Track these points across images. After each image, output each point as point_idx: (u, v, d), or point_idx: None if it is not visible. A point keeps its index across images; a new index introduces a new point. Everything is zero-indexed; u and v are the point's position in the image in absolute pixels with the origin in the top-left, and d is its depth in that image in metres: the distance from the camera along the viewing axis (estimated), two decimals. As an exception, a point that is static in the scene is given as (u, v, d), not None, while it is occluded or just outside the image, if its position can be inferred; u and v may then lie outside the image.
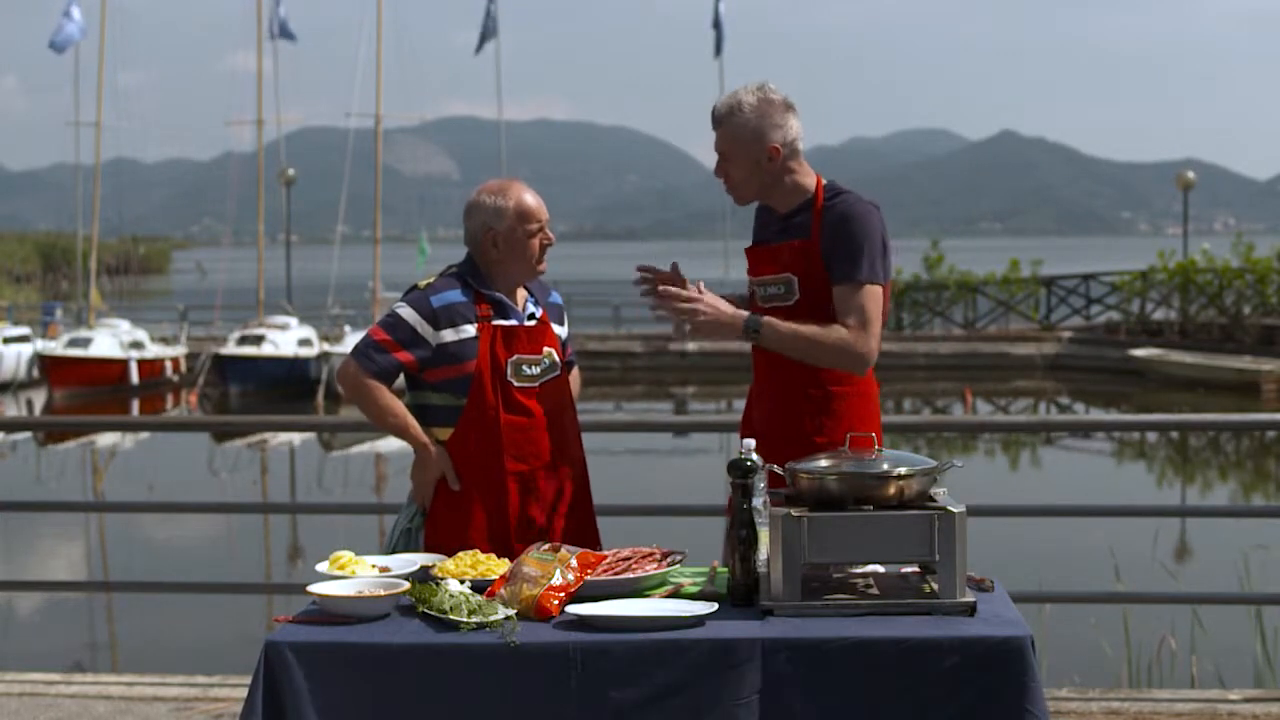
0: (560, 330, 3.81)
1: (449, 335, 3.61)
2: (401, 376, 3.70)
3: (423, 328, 3.61)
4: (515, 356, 3.64)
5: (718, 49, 38.91)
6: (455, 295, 3.64)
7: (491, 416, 3.61)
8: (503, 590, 3.03)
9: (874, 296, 3.53)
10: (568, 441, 3.73)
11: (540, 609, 2.95)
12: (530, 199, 3.69)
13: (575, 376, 3.95)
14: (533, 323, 3.71)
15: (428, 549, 3.64)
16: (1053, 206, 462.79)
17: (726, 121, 3.61)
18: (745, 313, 3.56)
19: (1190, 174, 37.34)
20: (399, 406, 3.69)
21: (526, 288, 3.77)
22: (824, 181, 3.68)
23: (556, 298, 3.87)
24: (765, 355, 3.72)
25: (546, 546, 3.16)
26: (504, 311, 3.67)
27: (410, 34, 39.58)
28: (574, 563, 3.07)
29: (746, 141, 3.58)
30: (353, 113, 35.86)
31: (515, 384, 3.63)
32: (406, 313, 3.63)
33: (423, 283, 3.70)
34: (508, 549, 3.47)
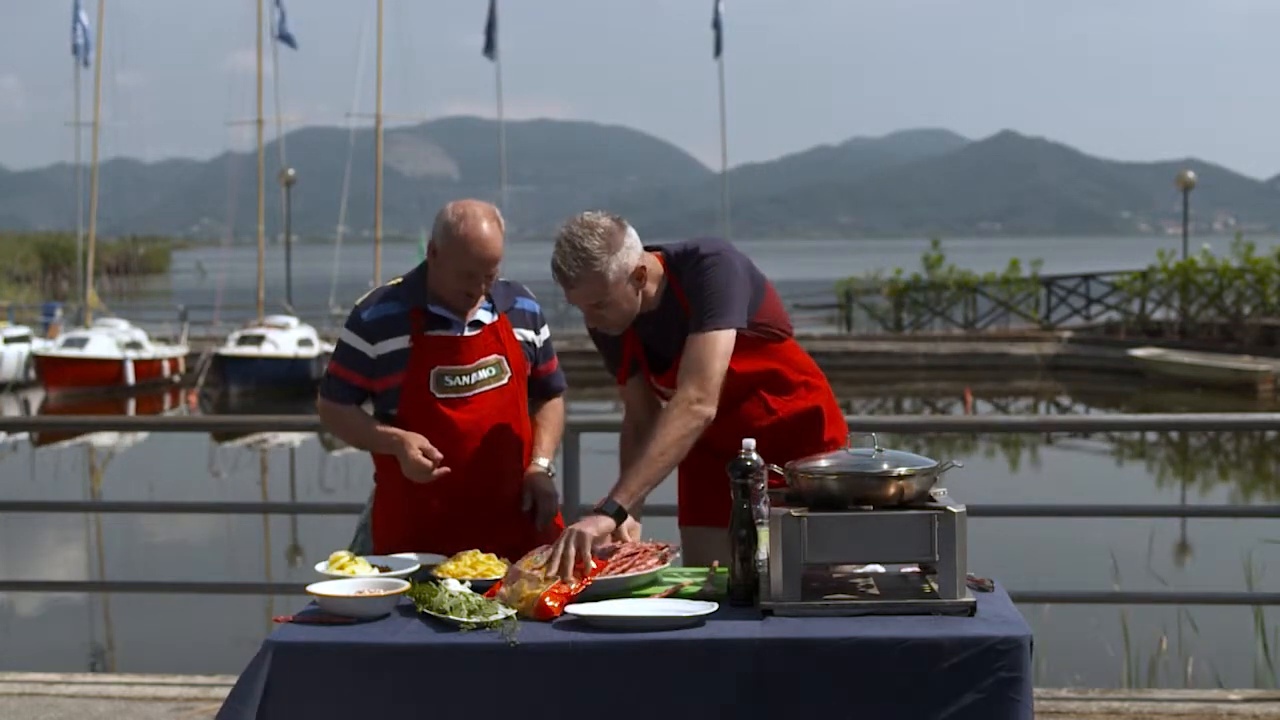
0: (526, 334, 3.71)
1: (385, 347, 3.59)
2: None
3: (358, 344, 3.60)
4: (438, 368, 3.57)
5: (718, 49, 38.92)
6: (388, 308, 3.60)
7: (408, 428, 3.57)
8: (503, 590, 3.03)
9: (711, 343, 3.37)
10: (502, 451, 3.64)
11: (542, 609, 2.94)
12: (477, 245, 3.48)
13: (555, 405, 3.84)
14: (474, 331, 3.61)
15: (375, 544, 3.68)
16: (1053, 206, 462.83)
17: (586, 277, 3.37)
18: (594, 516, 3.21)
19: (1190, 174, 37.34)
20: (359, 420, 3.67)
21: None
22: (661, 256, 3.53)
23: (526, 303, 3.73)
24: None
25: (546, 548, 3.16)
26: (439, 323, 3.59)
27: (410, 34, 39.60)
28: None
29: (615, 283, 3.39)
30: (353, 113, 35.89)
31: (437, 396, 3.58)
32: (344, 334, 3.64)
33: (359, 300, 3.69)
34: (435, 550, 3.44)
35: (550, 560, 3.07)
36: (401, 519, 3.65)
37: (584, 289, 3.39)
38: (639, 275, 3.43)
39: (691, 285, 3.46)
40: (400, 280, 3.67)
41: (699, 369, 3.36)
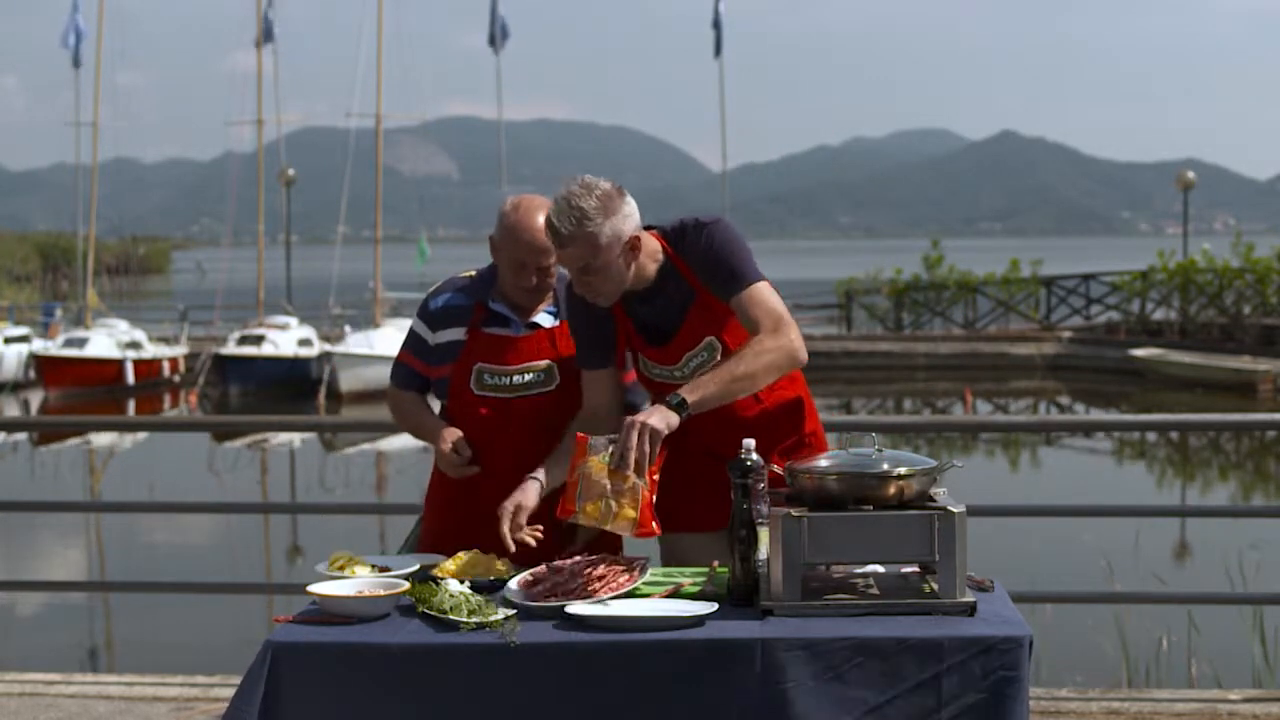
0: None
1: (443, 336, 3.63)
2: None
3: (422, 330, 3.66)
4: (480, 365, 3.57)
5: (718, 49, 38.89)
6: (457, 299, 3.64)
7: (452, 421, 3.60)
8: (587, 506, 3.10)
9: (769, 291, 3.37)
10: (534, 458, 3.48)
11: (646, 530, 3.07)
12: (528, 233, 3.48)
13: None
14: (528, 332, 3.59)
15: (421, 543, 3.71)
16: (1053, 206, 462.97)
17: (578, 236, 3.26)
18: (659, 407, 3.20)
19: (1190, 174, 37.35)
20: (412, 407, 3.71)
21: (555, 294, 3.64)
22: (658, 234, 3.47)
23: None
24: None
25: (607, 440, 3.17)
26: (498, 320, 3.59)
27: (410, 34, 39.56)
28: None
29: (607, 247, 3.29)
30: (353, 113, 35.83)
31: (475, 392, 3.58)
32: (413, 320, 3.71)
33: (434, 286, 3.73)
34: (457, 548, 3.36)
35: (624, 456, 3.10)
36: (436, 513, 3.69)
37: (575, 249, 3.29)
38: (633, 246, 3.35)
39: (703, 253, 3.39)
40: (474, 273, 3.69)
41: (779, 315, 3.32)
